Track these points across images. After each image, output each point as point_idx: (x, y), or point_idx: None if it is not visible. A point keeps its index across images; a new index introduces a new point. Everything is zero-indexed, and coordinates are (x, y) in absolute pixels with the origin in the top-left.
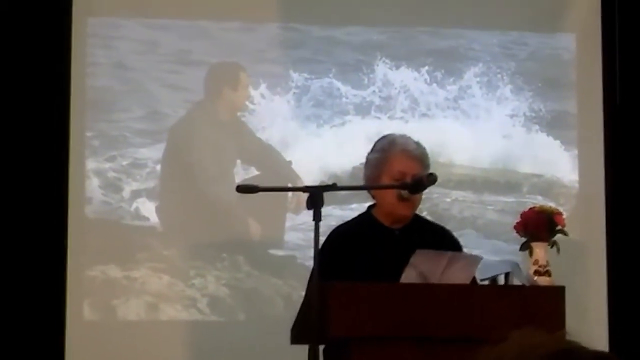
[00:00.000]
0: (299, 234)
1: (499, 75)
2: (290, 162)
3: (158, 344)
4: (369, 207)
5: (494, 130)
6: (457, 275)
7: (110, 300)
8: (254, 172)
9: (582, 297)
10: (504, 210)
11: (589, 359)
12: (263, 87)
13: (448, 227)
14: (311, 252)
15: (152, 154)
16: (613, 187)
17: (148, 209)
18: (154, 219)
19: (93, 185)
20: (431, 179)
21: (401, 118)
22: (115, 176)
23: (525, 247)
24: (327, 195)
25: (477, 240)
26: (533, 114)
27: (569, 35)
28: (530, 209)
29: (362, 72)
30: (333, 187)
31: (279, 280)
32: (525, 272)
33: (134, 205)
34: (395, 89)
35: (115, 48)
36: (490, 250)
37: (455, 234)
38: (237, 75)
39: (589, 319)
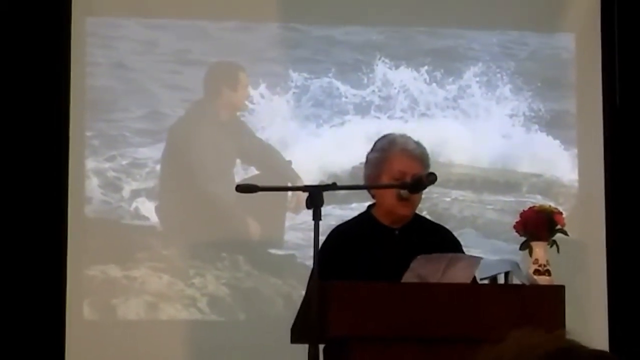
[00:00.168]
0: (298, 234)
1: (499, 75)
2: (289, 162)
3: (158, 343)
4: (369, 207)
5: (493, 129)
6: (457, 277)
7: (110, 300)
8: (253, 171)
9: (582, 296)
10: (504, 209)
11: (588, 358)
12: (262, 87)
13: (448, 226)
14: (311, 252)
15: (152, 153)
16: (612, 187)
17: (148, 208)
18: (153, 218)
19: (93, 184)
20: (431, 179)
21: (401, 118)
22: (114, 176)
23: (525, 246)
24: (326, 194)
25: (476, 240)
26: (532, 114)
27: (569, 35)
28: (530, 208)
29: (361, 71)
30: (333, 187)
31: (279, 279)
32: (525, 272)
33: (134, 204)
34: (395, 88)
35: (115, 48)
36: (490, 250)
37: (455, 233)
38: (236, 75)
39: (588, 318)
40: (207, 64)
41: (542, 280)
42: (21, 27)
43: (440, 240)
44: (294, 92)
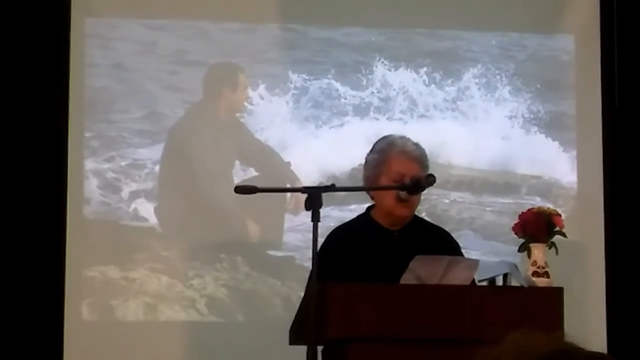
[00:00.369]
0: (297, 235)
1: (498, 77)
2: (289, 163)
3: (156, 344)
4: (368, 208)
5: (492, 131)
6: (456, 279)
7: (109, 301)
8: (252, 172)
9: (581, 298)
10: (503, 211)
11: (586, 359)
12: (262, 88)
13: (446, 228)
14: (310, 253)
15: (151, 154)
16: (611, 189)
17: (147, 209)
18: (152, 219)
19: (92, 185)
20: (430, 180)
21: (400, 119)
22: (114, 177)
23: (523, 248)
24: (325, 196)
25: (475, 241)
26: (532, 115)
27: (568, 37)
28: (529, 210)
29: (360, 73)
30: (332, 188)
31: (278, 281)
32: (524, 273)
33: (133, 205)
34: (394, 90)
35: (114, 48)
36: (489, 251)
37: (454, 235)
38: (235, 76)
39: (587, 320)
40: (206, 65)
41: (541, 282)
42: (20, 28)
43: (439, 242)
44: (293, 94)
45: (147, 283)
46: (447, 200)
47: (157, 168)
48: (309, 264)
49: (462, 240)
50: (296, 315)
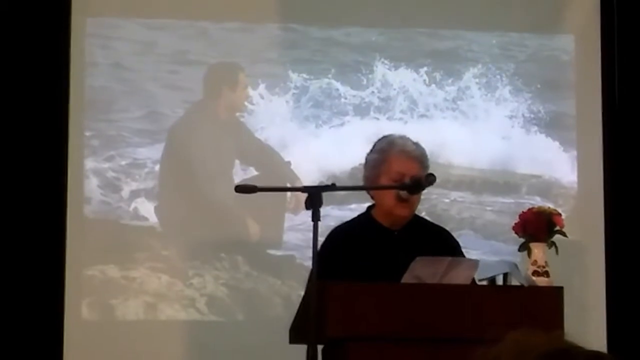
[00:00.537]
0: (297, 234)
1: (498, 77)
2: (289, 163)
3: (156, 343)
4: (369, 208)
5: (492, 131)
6: (456, 280)
7: (109, 300)
8: (252, 172)
9: (581, 297)
10: (503, 211)
11: (586, 358)
12: (262, 88)
13: (447, 227)
14: (310, 253)
15: (151, 154)
16: (612, 188)
17: (147, 209)
18: (152, 218)
19: (92, 185)
20: (430, 180)
21: (400, 119)
22: (114, 176)
23: (523, 247)
24: (325, 195)
25: (475, 241)
26: (532, 115)
27: (568, 37)
28: (529, 209)
29: (361, 72)
30: (332, 188)
31: (278, 280)
32: (524, 273)
33: (133, 205)
34: (394, 89)
35: (114, 48)
36: (489, 251)
37: (454, 234)
38: (235, 76)
39: (587, 319)
40: (206, 65)
41: (541, 281)
42: (21, 27)
43: (439, 241)
44: (293, 93)
45: (147, 282)
46: (447, 200)
47: (157, 167)
48: (309, 263)
49: (463, 240)
50: (296, 314)
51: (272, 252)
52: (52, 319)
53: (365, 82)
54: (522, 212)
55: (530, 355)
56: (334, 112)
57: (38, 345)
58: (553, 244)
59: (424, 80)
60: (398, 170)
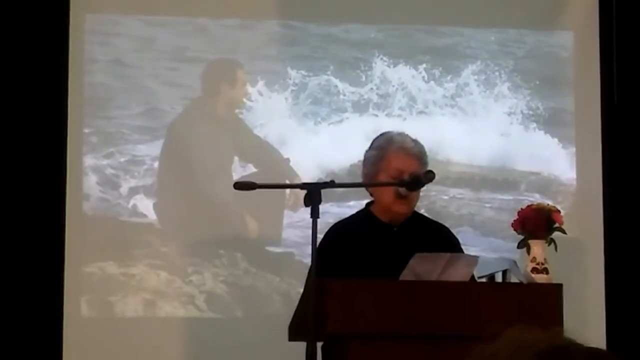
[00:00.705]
0: (296, 231)
1: (497, 73)
2: (288, 160)
3: (155, 340)
4: (368, 204)
5: (491, 128)
6: (455, 277)
7: (108, 297)
8: (251, 169)
9: (580, 294)
10: (502, 207)
11: (585, 355)
12: (261, 84)
13: (446, 224)
14: (309, 249)
15: (150, 150)
16: (611, 185)
17: (146, 205)
18: (151, 215)
19: (91, 181)
20: (429, 177)
21: (399, 115)
22: (113, 173)
23: (522, 244)
24: (324, 192)
25: (474, 238)
26: (531, 112)
27: (567, 33)
28: (528, 206)
29: (360, 69)
30: (331, 184)
31: (277, 277)
32: (523, 270)
33: (132, 202)
34: (393, 86)
35: (113, 45)
36: (488, 248)
37: (453, 231)
38: (234, 72)
39: (586, 316)
40: (205, 61)
41: (540, 278)
42: (20, 24)
43: (439, 238)
44: (292, 90)
45: (146, 279)
46: (446, 197)
47: (156, 164)
48: (308, 260)
49: (462, 237)
50: (295, 312)
51: (271, 249)
52: (51, 315)
53: (364, 78)
54: (521, 209)
55: (529, 352)
56: (333, 109)
57: (37, 342)
58: (552, 241)
59: (423, 77)
60: (397, 167)
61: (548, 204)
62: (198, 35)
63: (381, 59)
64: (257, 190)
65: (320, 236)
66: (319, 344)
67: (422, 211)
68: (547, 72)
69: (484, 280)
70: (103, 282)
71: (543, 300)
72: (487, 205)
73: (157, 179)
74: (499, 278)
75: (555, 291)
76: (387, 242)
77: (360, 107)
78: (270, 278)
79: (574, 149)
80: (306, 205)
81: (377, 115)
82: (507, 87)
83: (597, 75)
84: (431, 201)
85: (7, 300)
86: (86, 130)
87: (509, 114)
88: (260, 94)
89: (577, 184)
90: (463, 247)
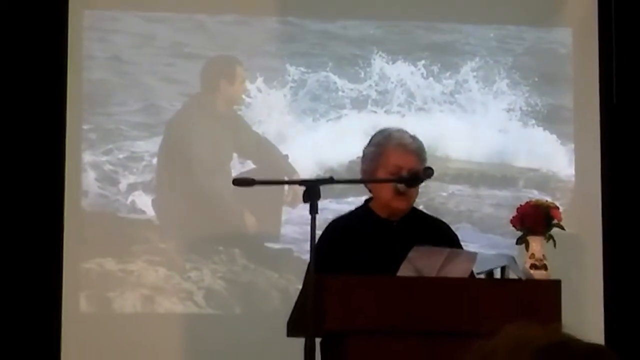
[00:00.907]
0: (295, 227)
1: (496, 70)
2: (286, 156)
3: (154, 336)
4: (366, 200)
5: (490, 124)
6: (454, 273)
7: (106, 293)
8: (250, 165)
9: (578, 290)
10: (500, 204)
11: (583, 351)
12: (259, 81)
13: (444, 221)
14: (307, 246)
15: (149, 147)
16: (609, 181)
17: (144, 202)
18: (150, 212)
19: (89, 178)
20: (427, 173)
21: (398, 112)
22: (111, 169)
23: (521, 240)
24: (323, 188)
25: (473, 234)
26: (529, 109)
27: (566, 30)
28: (527, 203)
29: (358, 66)
30: (329, 181)
31: (275, 273)
32: (522, 266)
33: (131, 198)
34: (392, 83)
35: (112, 41)
36: (487, 244)
37: (452, 227)
38: (233, 69)
39: (585, 313)
40: (204, 58)
41: (539, 274)
42: (18, 20)
43: (438, 234)
44: (291, 86)
45: (145, 275)
46: (444, 193)
47: (154, 160)
48: (306, 257)
49: (460, 233)
50: (294, 308)
51: (269, 245)
52: (50, 312)
53: (362, 75)
54: (520, 205)
55: (528, 348)
56: (332, 106)
57: (36, 338)
58: (551, 237)
59: (422, 74)
60: (395, 164)
61: (547, 201)
62: (197, 32)
63: (380, 55)
64: (256, 187)
65: (319, 232)
66: (318, 340)
67: (420, 207)
68: (546, 68)
69: (482, 276)
70: (101, 278)
71: (541, 297)
72: (485, 201)
73: (156, 176)
74: (497, 274)
75: (553, 287)
76: (386, 238)
77: (359, 103)
78: (269, 274)
79: (572, 146)
80: (305, 201)
81: (375, 112)
82: (506, 84)
83: (596, 72)
84: (430, 197)
85: (6, 297)
86: (85, 127)
87: (508, 111)
88: (259, 90)
89: (575, 180)
90: (462, 243)
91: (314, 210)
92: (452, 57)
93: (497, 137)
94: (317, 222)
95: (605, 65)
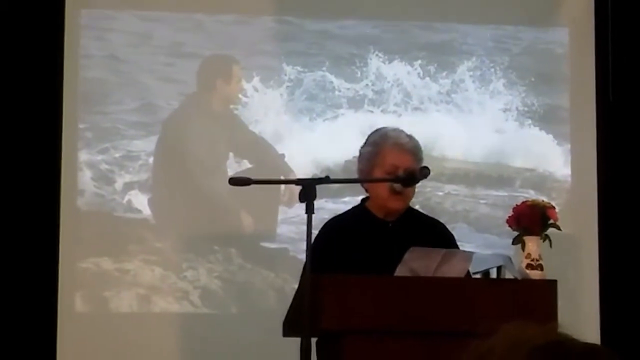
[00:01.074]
0: (291, 227)
1: (492, 70)
2: (283, 155)
3: (150, 336)
4: (363, 200)
5: (486, 124)
6: (450, 273)
7: (102, 292)
8: (246, 165)
9: (574, 290)
10: (497, 204)
11: (580, 350)
12: (256, 80)
13: (441, 220)
14: (304, 245)
15: (145, 146)
16: (605, 182)
17: (140, 201)
18: (146, 211)
19: (85, 177)
20: (424, 173)
21: (394, 112)
22: (107, 168)
23: (517, 240)
24: (319, 188)
25: (469, 234)
26: (526, 108)
27: (562, 30)
28: (523, 202)
29: (355, 65)
30: (326, 180)
31: (271, 273)
32: (518, 266)
33: (127, 197)
34: (389, 82)
35: (109, 40)
36: (483, 244)
37: (448, 227)
38: (230, 68)
39: (581, 312)
40: (201, 57)
41: (535, 274)
42: (15, 19)
43: (434, 233)
44: (287, 86)
45: (141, 275)
46: (441, 193)
47: (151, 160)
48: (302, 256)
49: (456, 233)
50: (290, 307)
51: (265, 244)
52: (46, 311)
53: (359, 74)
54: (516, 205)
55: (525, 348)
56: (328, 105)
57: (32, 337)
58: (547, 237)
59: (418, 73)
60: (392, 163)
61: (543, 201)
62: (193, 31)
63: (376, 55)
64: (252, 186)
65: (315, 232)
66: (314, 340)
67: (417, 207)
68: (543, 68)
69: (478, 276)
70: (98, 278)
71: (538, 296)
72: (482, 201)
73: (152, 175)
74: (493, 274)
75: (549, 287)
76: (382, 238)
77: (356, 103)
78: (265, 274)
79: (569, 146)
80: (301, 201)
81: (372, 112)
82: (503, 84)
83: (593, 71)
84: (426, 197)
85: (1, 296)
86: (81, 126)
87: (504, 111)
88: (256, 89)
89: (571, 180)
90: (458, 243)
91: (310, 210)
92: (449, 57)
93: (493, 137)
94: (314, 222)
95: (602, 65)
